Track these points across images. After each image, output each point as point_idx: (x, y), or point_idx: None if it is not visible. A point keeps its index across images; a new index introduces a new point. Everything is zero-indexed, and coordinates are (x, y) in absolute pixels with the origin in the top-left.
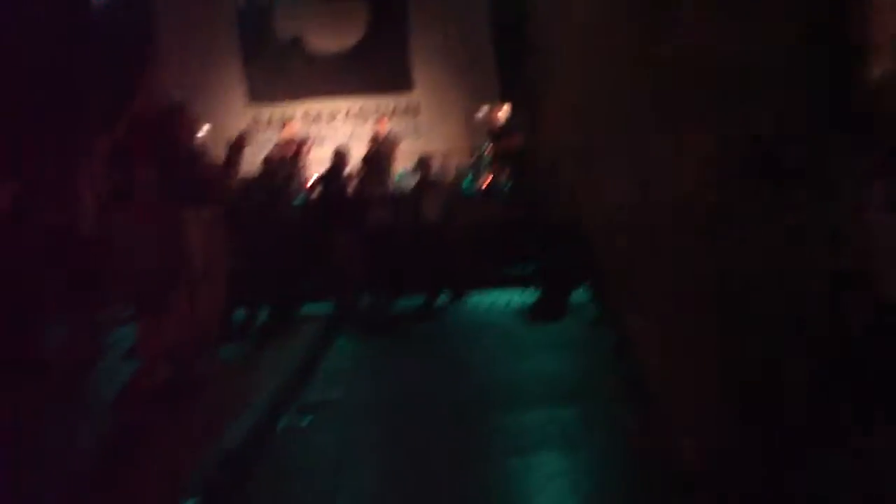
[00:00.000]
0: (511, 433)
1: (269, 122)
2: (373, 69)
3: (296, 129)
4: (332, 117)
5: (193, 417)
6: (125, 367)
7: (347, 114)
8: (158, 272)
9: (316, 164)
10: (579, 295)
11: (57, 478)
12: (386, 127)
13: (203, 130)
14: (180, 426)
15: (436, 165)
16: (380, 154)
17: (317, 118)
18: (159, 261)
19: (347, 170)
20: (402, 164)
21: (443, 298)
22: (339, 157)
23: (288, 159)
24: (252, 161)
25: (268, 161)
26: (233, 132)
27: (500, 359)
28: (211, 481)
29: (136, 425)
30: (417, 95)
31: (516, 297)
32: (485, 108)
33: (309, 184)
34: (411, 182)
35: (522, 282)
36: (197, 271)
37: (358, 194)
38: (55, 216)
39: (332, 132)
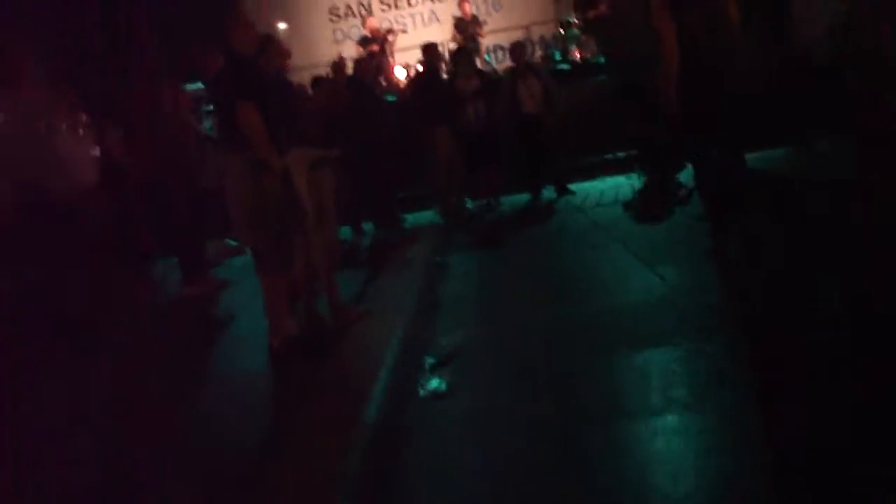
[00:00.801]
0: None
1: (349, 11)
2: None
3: (376, 21)
4: (410, 1)
5: (332, 380)
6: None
7: None
8: (273, 224)
9: (400, 54)
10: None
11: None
12: (468, 8)
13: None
14: (322, 394)
15: (528, 51)
16: (467, 44)
17: (395, 3)
18: (273, 212)
19: (440, 65)
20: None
21: (548, 193)
22: (431, 52)
23: (375, 55)
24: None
25: (358, 62)
26: (311, 25)
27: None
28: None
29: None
30: None
31: (623, 186)
32: None
33: (402, 82)
34: (500, 62)
35: (626, 167)
36: (309, 215)
37: (452, 88)
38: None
39: (412, 17)
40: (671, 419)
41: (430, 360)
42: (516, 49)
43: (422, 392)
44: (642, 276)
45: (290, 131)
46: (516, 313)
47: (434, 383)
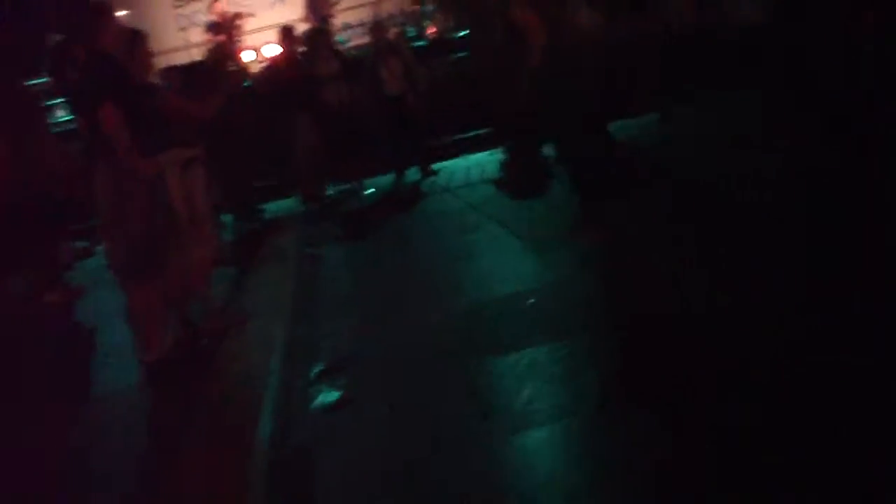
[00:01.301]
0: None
1: None
2: None
3: (223, 4)
4: None
5: (215, 399)
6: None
7: None
8: (143, 233)
9: (249, 37)
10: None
11: None
12: None
13: None
14: (206, 417)
15: (387, 29)
16: (325, 30)
17: None
18: (143, 220)
19: (296, 48)
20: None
21: (413, 174)
22: (287, 35)
23: (225, 42)
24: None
25: (211, 50)
26: (154, 11)
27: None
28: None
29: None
30: None
31: (488, 163)
32: None
33: (256, 69)
34: (354, 41)
35: (488, 143)
36: (183, 219)
37: (311, 72)
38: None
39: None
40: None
41: (319, 368)
42: (376, 27)
43: (316, 405)
44: (522, 259)
45: (159, 134)
46: (401, 309)
47: (327, 394)
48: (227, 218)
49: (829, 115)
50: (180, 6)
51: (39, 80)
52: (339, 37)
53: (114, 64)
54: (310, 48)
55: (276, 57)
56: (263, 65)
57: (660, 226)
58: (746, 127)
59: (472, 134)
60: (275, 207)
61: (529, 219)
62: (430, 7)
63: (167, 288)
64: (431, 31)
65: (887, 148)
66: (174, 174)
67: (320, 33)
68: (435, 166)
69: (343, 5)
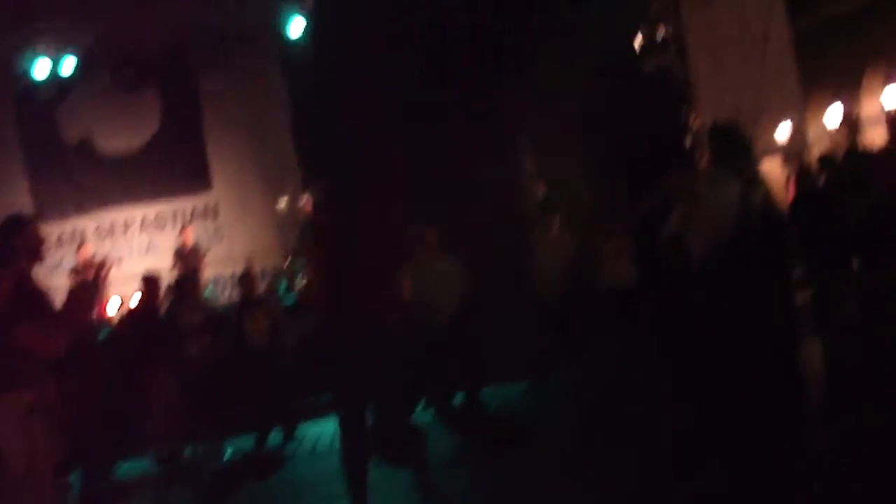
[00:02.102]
0: None
1: (60, 241)
2: (167, 168)
3: (90, 250)
4: (127, 227)
5: None
6: None
7: (143, 222)
8: None
9: (114, 285)
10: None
11: None
12: (190, 238)
13: None
14: None
15: (258, 284)
16: (190, 276)
17: (111, 231)
18: None
19: (159, 300)
20: (209, 272)
21: (275, 437)
22: (150, 284)
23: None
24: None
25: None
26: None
27: None
28: None
29: None
30: (216, 195)
31: None
32: (284, 199)
33: (117, 317)
34: (223, 295)
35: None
36: (18, 469)
37: (172, 322)
38: None
39: (129, 246)
40: None
41: None
42: (244, 280)
43: None
44: None
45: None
46: None
47: None
48: (73, 477)
49: None
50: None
51: None
52: (207, 289)
53: None
54: (175, 298)
55: (138, 305)
56: (124, 312)
57: None
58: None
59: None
60: (127, 467)
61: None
62: (304, 260)
63: None
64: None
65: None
66: (13, 419)
67: (186, 284)
68: (301, 428)
69: (216, 256)
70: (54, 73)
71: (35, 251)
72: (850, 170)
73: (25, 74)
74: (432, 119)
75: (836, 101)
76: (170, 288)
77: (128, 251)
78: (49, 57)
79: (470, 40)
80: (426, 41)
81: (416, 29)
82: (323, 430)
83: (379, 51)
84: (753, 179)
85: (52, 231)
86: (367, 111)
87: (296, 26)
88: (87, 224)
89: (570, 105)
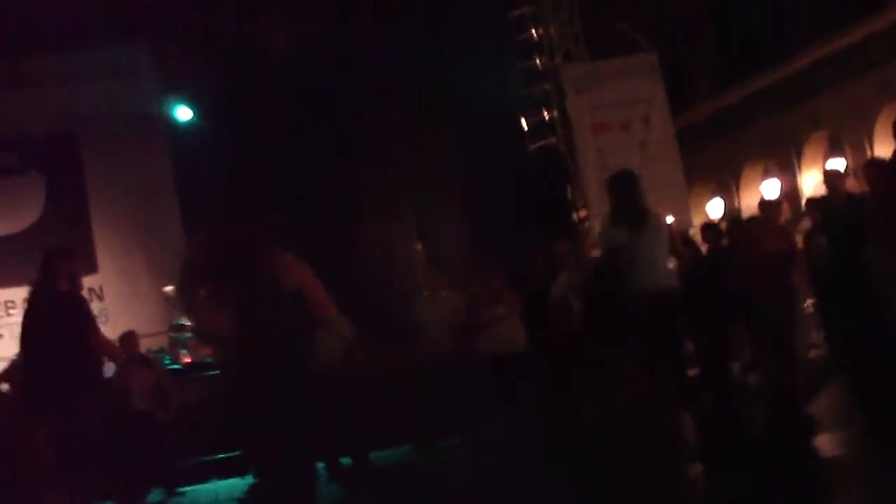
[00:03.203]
0: None
1: None
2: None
3: None
4: (8, 308)
5: None
6: None
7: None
8: None
9: None
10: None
11: None
12: None
13: None
14: None
15: (139, 344)
16: None
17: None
18: None
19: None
20: None
21: (154, 497)
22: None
23: None
24: None
25: None
26: None
27: None
28: None
29: None
30: (101, 278)
31: (238, 486)
32: (171, 287)
33: None
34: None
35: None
36: None
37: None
38: None
39: (9, 325)
40: None
41: None
42: (127, 339)
43: None
44: None
45: None
46: None
47: None
48: None
49: None
50: None
51: None
52: None
53: None
54: None
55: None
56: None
57: None
58: None
59: (222, 456)
60: None
61: None
62: (188, 334)
63: None
64: (186, 359)
65: None
66: None
67: None
68: (181, 489)
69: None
70: None
71: (73, 278)
72: (732, 237)
73: None
74: (315, 185)
75: (716, 195)
76: None
77: (9, 331)
78: None
79: (359, 113)
80: (312, 115)
81: (297, 103)
82: (205, 490)
83: (262, 129)
84: (647, 221)
85: None
86: (254, 190)
87: (182, 112)
88: None
89: (461, 177)
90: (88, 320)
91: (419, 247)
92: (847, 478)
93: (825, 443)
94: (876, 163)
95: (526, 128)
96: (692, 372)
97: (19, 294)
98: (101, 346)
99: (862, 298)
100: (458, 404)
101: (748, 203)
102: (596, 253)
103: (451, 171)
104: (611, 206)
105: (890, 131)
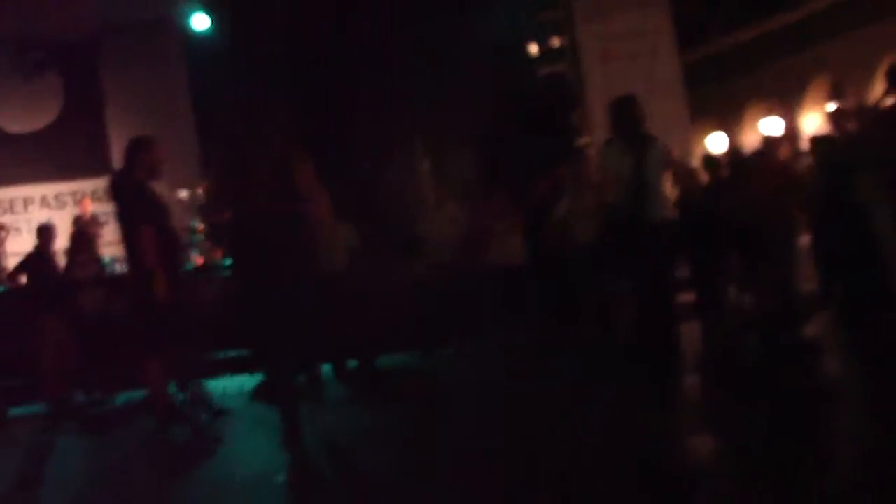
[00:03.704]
0: None
1: None
2: (69, 150)
3: None
4: (27, 205)
5: None
6: None
7: (43, 200)
8: None
9: (13, 257)
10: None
11: None
12: (89, 208)
13: None
14: None
15: None
16: (86, 233)
17: (10, 207)
18: None
19: (53, 248)
20: (108, 252)
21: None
22: (45, 234)
23: None
24: None
25: None
26: None
27: None
28: None
29: None
30: None
31: (248, 383)
32: (185, 192)
33: (13, 267)
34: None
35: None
36: None
37: (67, 275)
38: None
39: (28, 221)
40: None
41: None
42: None
43: None
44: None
45: None
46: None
47: None
48: None
49: None
50: None
51: None
52: (107, 259)
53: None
54: (71, 252)
55: (30, 255)
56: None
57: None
58: None
59: (233, 354)
60: (20, 411)
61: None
62: (200, 236)
63: None
64: (199, 261)
65: None
66: None
67: (83, 239)
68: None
69: (112, 238)
70: None
71: (153, 168)
72: (732, 167)
73: None
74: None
75: (719, 129)
76: (68, 241)
77: (27, 226)
78: None
79: (372, 42)
80: (329, 39)
81: (317, 26)
82: (216, 386)
83: (281, 46)
84: (648, 146)
85: None
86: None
87: (199, 20)
88: None
89: (470, 99)
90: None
91: (426, 164)
92: (836, 401)
93: (816, 365)
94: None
95: (535, 54)
96: (689, 295)
97: (37, 191)
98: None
99: (855, 233)
100: (460, 313)
101: (750, 141)
102: (597, 177)
103: (460, 94)
104: (612, 129)
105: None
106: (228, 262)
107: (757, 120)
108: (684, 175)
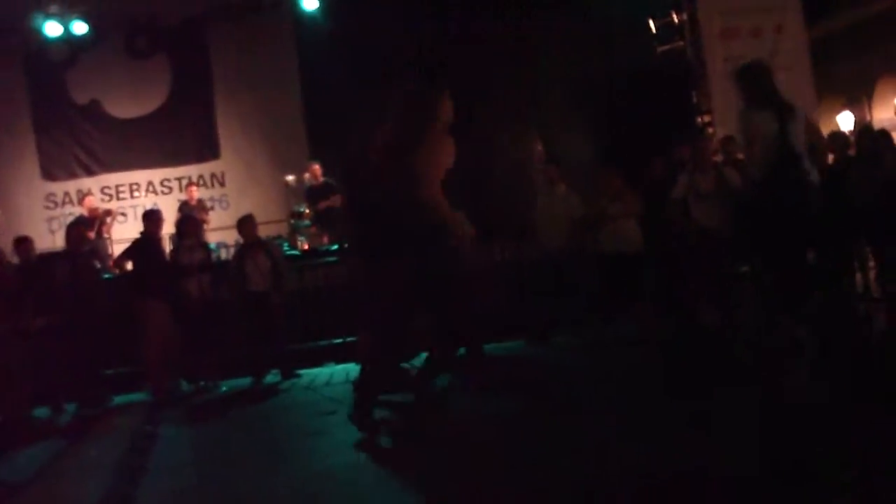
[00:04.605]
0: None
1: (66, 198)
2: (176, 135)
3: (95, 201)
4: (133, 191)
5: None
6: None
7: (150, 186)
8: None
9: (119, 244)
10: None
11: None
12: (195, 194)
13: None
14: None
15: (257, 227)
16: (192, 219)
17: (116, 193)
18: None
19: (159, 234)
20: (213, 238)
21: (272, 377)
22: (151, 219)
23: (92, 231)
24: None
25: (70, 231)
26: (25, 213)
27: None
28: None
29: None
30: (223, 164)
31: (353, 370)
32: (292, 177)
33: (119, 253)
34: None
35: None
36: None
37: (173, 261)
38: None
39: (134, 207)
40: None
41: None
42: (245, 223)
43: None
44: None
45: None
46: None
47: None
48: (70, 406)
49: None
50: (52, 207)
51: None
52: (213, 245)
53: None
54: (177, 237)
55: (137, 240)
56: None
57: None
58: None
59: (339, 341)
60: (124, 399)
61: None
62: (306, 222)
63: None
64: (304, 246)
65: None
66: None
67: (190, 223)
68: (299, 370)
69: (218, 223)
70: (66, 35)
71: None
72: (861, 146)
73: (37, 34)
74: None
75: (847, 107)
76: (175, 227)
77: (133, 212)
78: (61, 18)
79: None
80: (441, 19)
81: (429, 6)
82: (319, 373)
83: (392, 26)
84: (789, 112)
85: (57, 190)
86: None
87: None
88: (93, 185)
89: (586, 76)
90: None
91: (539, 145)
92: None
93: None
94: None
95: (654, 30)
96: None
97: (143, 176)
98: None
99: None
100: (573, 299)
101: (880, 118)
102: (719, 157)
103: (576, 72)
104: (748, 94)
105: None
106: (335, 247)
107: (889, 96)
108: (824, 147)
